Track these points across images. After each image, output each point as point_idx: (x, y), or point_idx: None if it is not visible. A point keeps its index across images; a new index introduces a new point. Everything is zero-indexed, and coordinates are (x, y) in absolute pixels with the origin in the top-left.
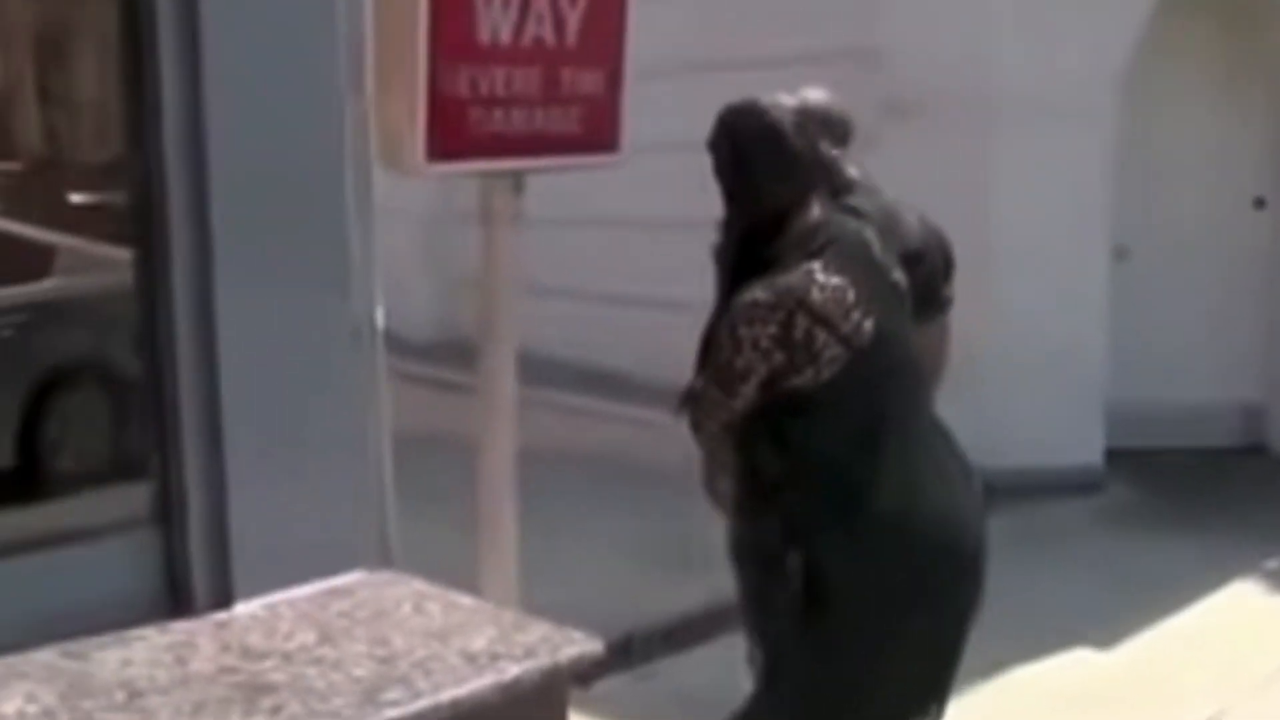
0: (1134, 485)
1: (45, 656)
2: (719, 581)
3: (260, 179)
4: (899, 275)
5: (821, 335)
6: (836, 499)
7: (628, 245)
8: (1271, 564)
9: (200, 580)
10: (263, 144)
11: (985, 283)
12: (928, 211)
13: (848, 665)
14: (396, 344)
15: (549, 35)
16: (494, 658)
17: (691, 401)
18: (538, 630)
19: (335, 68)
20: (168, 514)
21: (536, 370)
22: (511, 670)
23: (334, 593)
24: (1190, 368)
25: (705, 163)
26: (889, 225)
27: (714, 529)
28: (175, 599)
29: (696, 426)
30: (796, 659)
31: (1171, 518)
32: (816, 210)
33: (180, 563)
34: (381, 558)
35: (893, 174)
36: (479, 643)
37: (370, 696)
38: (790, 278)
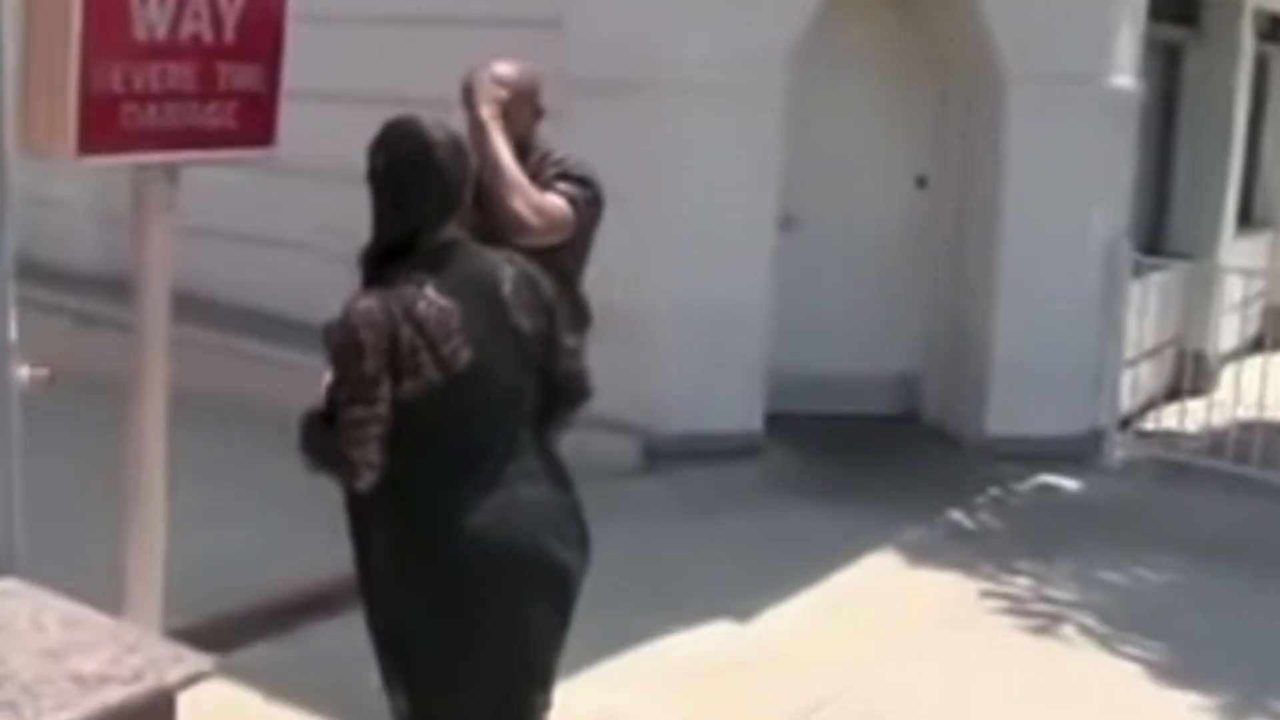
0: (792, 451)
1: None
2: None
3: None
4: (524, 320)
5: (424, 351)
6: (419, 521)
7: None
8: (908, 535)
9: None
10: None
11: (655, 252)
12: (608, 183)
13: (422, 651)
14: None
15: (206, 32)
16: (103, 680)
17: (334, 457)
18: (149, 651)
19: None
20: None
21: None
22: (117, 694)
23: None
24: (851, 337)
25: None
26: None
27: None
28: None
29: (354, 475)
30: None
31: (825, 485)
32: (451, 232)
33: None
34: (5, 562)
35: (575, 147)
36: (90, 665)
37: None
38: (403, 289)
